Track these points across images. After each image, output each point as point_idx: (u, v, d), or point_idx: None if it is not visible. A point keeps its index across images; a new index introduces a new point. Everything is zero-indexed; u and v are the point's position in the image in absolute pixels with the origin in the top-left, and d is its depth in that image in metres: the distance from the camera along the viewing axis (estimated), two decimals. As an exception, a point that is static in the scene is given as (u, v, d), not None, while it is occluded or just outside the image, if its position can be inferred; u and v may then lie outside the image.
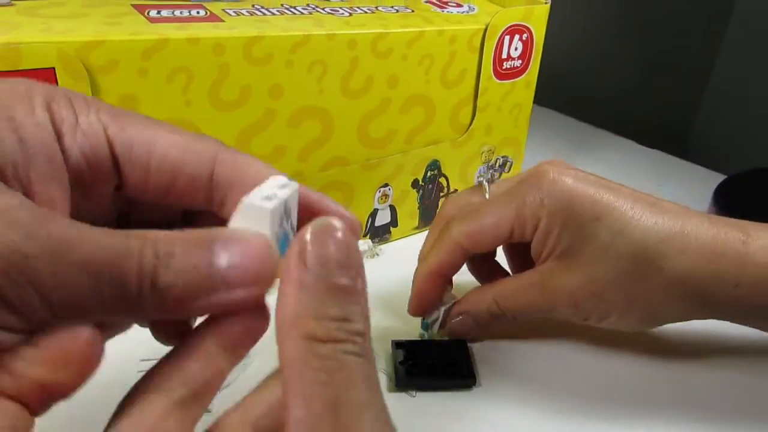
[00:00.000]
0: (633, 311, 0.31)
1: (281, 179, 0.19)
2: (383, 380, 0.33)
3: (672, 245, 0.29)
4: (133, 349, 0.34)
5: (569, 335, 0.37)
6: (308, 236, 0.15)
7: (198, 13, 0.35)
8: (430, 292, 0.34)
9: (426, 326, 0.35)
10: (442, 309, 0.35)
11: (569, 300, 0.31)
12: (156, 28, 0.31)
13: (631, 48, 0.79)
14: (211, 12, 0.35)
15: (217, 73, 0.33)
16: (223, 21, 0.34)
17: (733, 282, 0.29)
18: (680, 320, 0.32)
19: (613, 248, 0.29)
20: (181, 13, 0.35)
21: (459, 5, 0.46)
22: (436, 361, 0.33)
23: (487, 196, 0.34)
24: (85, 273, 0.14)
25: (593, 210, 0.30)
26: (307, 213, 0.20)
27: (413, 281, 0.35)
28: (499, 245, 0.34)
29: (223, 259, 0.16)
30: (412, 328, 0.36)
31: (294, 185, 0.19)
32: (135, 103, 0.31)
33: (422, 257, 0.35)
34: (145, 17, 0.33)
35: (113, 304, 0.15)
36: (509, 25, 0.43)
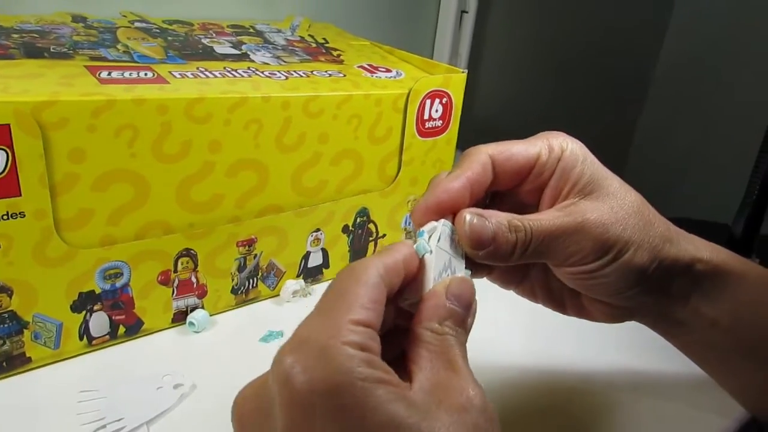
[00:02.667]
0: (646, 245, 0.30)
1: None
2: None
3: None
4: (73, 381, 0.36)
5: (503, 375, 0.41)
6: (451, 283, 0.25)
7: (146, 74, 0.39)
8: (457, 194, 0.29)
9: (420, 234, 0.27)
10: (447, 221, 0.28)
11: (597, 221, 0.29)
12: (105, 89, 0.35)
13: (564, 108, 0.86)
14: (158, 74, 0.40)
15: (160, 129, 0.37)
16: (168, 83, 0.38)
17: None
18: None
19: (627, 188, 0.31)
20: (130, 74, 0.39)
21: (388, 70, 0.51)
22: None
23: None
24: None
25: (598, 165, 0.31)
26: None
27: (427, 192, 0.29)
28: (525, 174, 0.31)
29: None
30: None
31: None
32: (83, 156, 0.34)
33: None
34: (96, 78, 0.37)
35: None
36: (430, 90, 0.49)
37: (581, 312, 0.33)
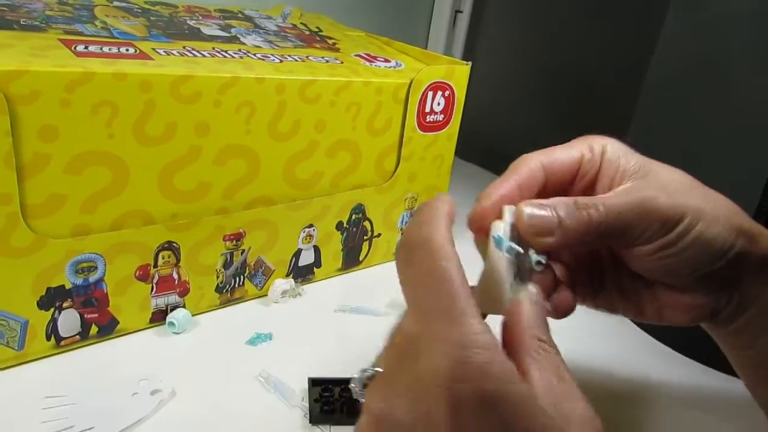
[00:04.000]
0: (721, 218, 0.29)
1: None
2: (299, 416, 0.33)
3: None
4: (39, 386, 0.32)
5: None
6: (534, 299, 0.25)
7: (127, 50, 0.36)
8: (506, 197, 0.29)
9: (499, 242, 0.26)
10: (509, 221, 0.28)
11: (660, 193, 0.28)
12: (82, 61, 0.32)
13: (555, 115, 0.84)
14: (140, 50, 0.36)
15: (143, 108, 0.33)
16: (152, 59, 0.35)
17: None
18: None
19: (680, 172, 0.30)
20: (109, 49, 0.35)
21: (387, 60, 0.48)
22: (352, 398, 0.34)
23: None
24: None
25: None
26: None
27: (478, 201, 0.30)
28: (572, 175, 0.31)
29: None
30: (330, 365, 0.37)
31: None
32: (55, 135, 0.31)
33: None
34: (72, 51, 0.33)
35: None
36: (432, 81, 0.46)
37: (660, 313, 0.32)
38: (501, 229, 0.27)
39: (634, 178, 0.30)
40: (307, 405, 0.33)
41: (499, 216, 0.28)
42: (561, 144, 0.32)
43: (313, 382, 0.34)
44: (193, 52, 0.39)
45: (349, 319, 0.42)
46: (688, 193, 0.29)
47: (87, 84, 0.31)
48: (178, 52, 0.38)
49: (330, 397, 0.34)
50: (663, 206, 0.28)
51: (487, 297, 0.25)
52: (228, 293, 0.42)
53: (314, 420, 0.32)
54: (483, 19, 0.87)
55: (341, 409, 0.33)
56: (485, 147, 0.83)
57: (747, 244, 0.29)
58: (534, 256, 0.27)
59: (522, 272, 0.27)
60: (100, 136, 0.32)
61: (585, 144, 0.31)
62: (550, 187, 0.31)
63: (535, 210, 0.28)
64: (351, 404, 0.33)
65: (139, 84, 0.33)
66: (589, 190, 0.31)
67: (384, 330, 0.41)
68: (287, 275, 0.44)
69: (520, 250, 0.26)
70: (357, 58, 0.47)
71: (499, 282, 0.25)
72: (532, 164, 0.31)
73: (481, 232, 0.28)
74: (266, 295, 0.43)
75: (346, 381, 0.35)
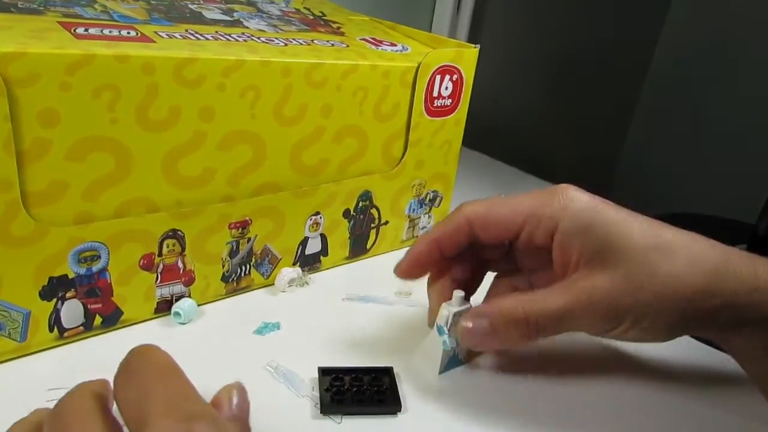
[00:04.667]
0: (675, 304, 0.28)
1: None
2: (309, 406, 0.32)
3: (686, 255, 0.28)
4: (42, 378, 0.32)
5: (499, 364, 0.37)
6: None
7: (128, 33, 0.35)
8: (422, 255, 0.33)
9: (441, 331, 0.33)
10: (453, 310, 0.32)
11: (607, 296, 0.28)
12: (82, 44, 0.31)
13: (559, 103, 0.83)
14: (142, 33, 0.35)
15: (146, 92, 0.32)
16: (154, 42, 0.34)
17: (750, 284, 0.27)
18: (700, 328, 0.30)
19: (646, 248, 0.28)
20: (110, 32, 0.34)
21: (393, 44, 0.47)
22: (362, 388, 0.33)
23: None
24: None
25: (618, 215, 0.29)
26: None
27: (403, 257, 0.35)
28: (506, 239, 0.32)
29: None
30: (340, 355, 0.36)
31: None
32: (56, 119, 0.30)
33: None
34: (71, 33, 0.32)
35: None
36: (440, 65, 0.45)
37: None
38: (444, 318, 0.32)
39: (590, 266, 0.29)
40: (318, 395, 0.32)
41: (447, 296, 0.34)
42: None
43: (323, 372, 0.34)
44: (196, 35, 0.37)
45: (357, 308, 0.41)
46: (643, 289, 0.28)
47: (88, 66, 0.30)
48: (180, 35, 0.37)
49: (341, 387, 0.33)
50: (604, 314, 0.28)
51: (425, 354, 0.35)
52: (234, 282, 0.41)
53: (325, 410, 0.31)
54: (487, 3, 0.86)
55: (352, 399, 0.32)
56: (489, 134, 0.82)
57: (708, 317, 0.28)
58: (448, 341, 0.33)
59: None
60: (102, 120, 0.31)
61: (533, 213, 0.31)
62: (486, 241, 0.33)
63: (469, 323, 0.31)
64: (361, 393, 0.32)
65: (142, 67, 0.32)
66: (540, 250, 0.32)
67: (393, 318, 0.41)
68: (294, 264, 0.44)
69: (455, 343, 0.33)
70: (363, 42, 0.46)
71: (435, 352, 0.34)
72: (459, 221, 0.32)
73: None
74: (273, 284, 0.42)
75: (356, 370, 0.34)
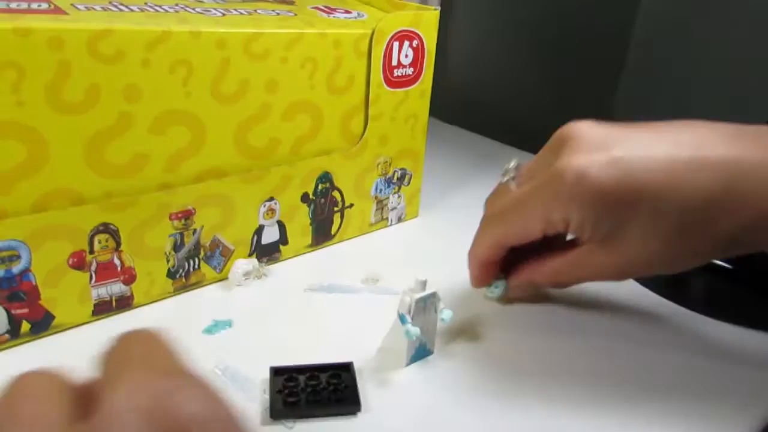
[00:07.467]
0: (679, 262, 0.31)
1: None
2: (257, 411, 0.29)
3: (721, 206, 0.28)
4: None
5: (465, 361, 0.34)
6: None
7: (39, 6, 0.31)
8: (484, 276, 0.37)
9: (403, 319, 0.32)
10: (416, 296, 0.32)
11: (616, 272, 0.32)
12: (-22, 17, 0.27)
13: (539, 70, 0.80)
14: (55, 6, 0.31)
15: (57, 69, 0.29)
16: (67, 14, 0.30)
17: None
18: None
19: (656, 224, 0.29)
20: (18, 5, 0.30)
21: (348, 11, 0.44)
22: (318, 387, 0.30)
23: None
24: None
25: (625, 199, 0.29)
26: None
27: (468, 262, 0.37)
28: (534, 239, 0.34)
29: None
30: (299, 352, 0.33)
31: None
32: (-49, 104, 0.26)
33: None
34: (-31, 7, 0.29)
35: None
36: (397, 30, 0.41)
37: None
38: (406, 306, 0.31)
39: (600, 243, 0.31)
40: (268, 398, 0.29)
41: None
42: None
43: (276, 372, 0.30)
44: (120, 6, 0.34)
45: (319, 300, 0.38)
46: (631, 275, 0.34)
47: (-19, 42, 0.26)
48: (102, 7, 0.33)
49: (294, 387, 0.30)
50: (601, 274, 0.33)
51: (389, 346, 0.33)
52: (183, 278, 0.37)
53: (275, 414, 0.28)
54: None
55: (307, 400, 0.29)
56: (467, 107, 0.79)
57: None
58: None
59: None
60: (6, 103, 0.28)
61: (545, 221, 0.32)
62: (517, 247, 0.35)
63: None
64: (318, 393, 0.29)
65: (47, 42, 0.28)
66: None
67: (358, 309, 0.37)
68: (249, 255, 0.40)
69: (417, 333, 0.31)
70: (314, 10, 0.43)
71: (399, 344, 0.32)
72: (491, 244, 0.35)
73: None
74: (227, 278, 0.39)
75: (312, 368, 0.31)
